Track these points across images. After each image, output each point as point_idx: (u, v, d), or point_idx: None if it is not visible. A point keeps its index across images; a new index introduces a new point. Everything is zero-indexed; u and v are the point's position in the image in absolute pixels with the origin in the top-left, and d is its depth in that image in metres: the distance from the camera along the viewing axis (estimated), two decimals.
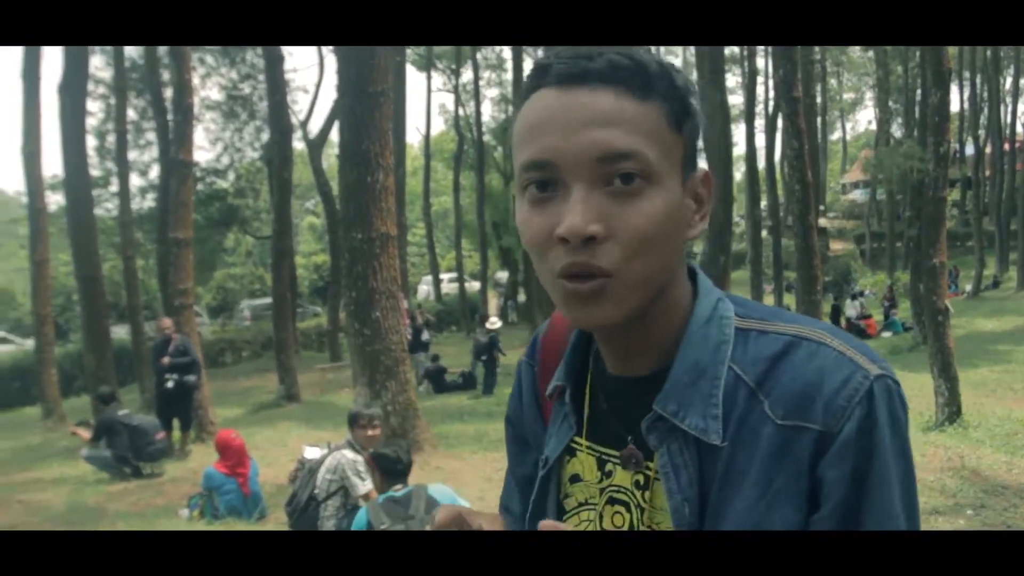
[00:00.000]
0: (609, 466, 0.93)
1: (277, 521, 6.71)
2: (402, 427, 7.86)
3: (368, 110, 7.77)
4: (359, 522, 3.90)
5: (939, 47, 10.16)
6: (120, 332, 20.54)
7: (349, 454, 4.95)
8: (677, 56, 47.73)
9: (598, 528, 0.93)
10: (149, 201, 26.21)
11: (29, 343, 25.69)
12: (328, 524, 4.90)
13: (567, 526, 0.86)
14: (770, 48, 31.92)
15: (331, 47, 24.15)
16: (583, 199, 0.78)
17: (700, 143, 0.88)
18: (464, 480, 7.51)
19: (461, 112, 32.67)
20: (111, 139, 23.40)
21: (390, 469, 4.20)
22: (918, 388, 10.02)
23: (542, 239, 0.81)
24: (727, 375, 0.84)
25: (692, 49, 33.26)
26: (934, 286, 10.24)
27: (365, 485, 4.88)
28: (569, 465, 0.98)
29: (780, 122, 31.08)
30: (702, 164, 0.89)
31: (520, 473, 1.08)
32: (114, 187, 23.46)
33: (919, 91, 36.52)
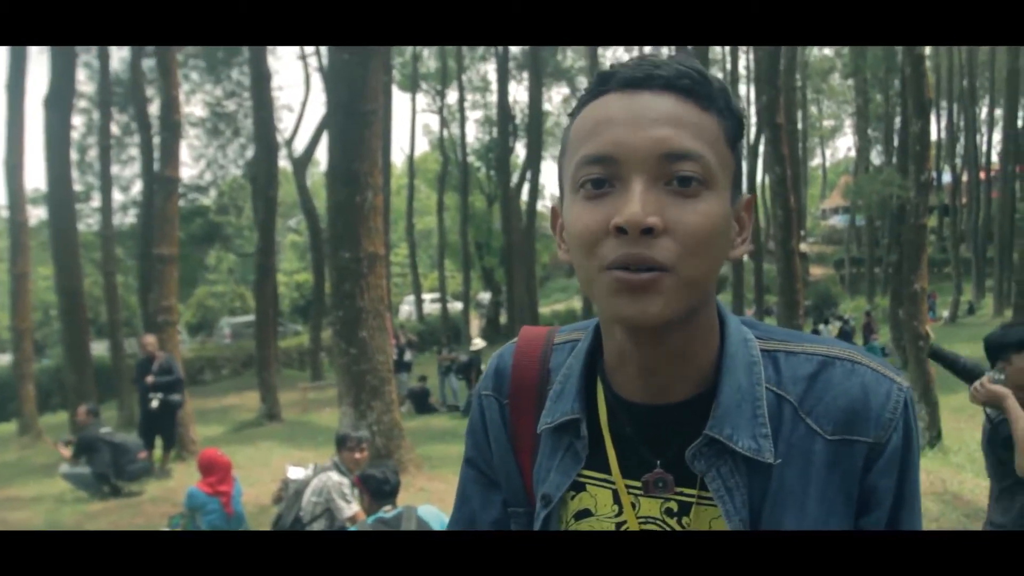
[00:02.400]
0: (630, 498, 0.91)
1: None
2: (387, 447, 7.82)
3: (358, 129, 7.79)
4: None
5: (920, 78, 10.34)
6: (99, 348, 20.32)
7: (335, 476, 4.92)
8: None
9: None
10: (130, 217, 26.09)
11: (5, 358, 25.37)
12: None
13: None
14: (752, 74, 32.31)
15: (318, 67, 24.19)
16: (644, 192, 0.78)
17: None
18: (449, 502, 7.38)
19: (446, 133, 32.78)
20: (92, 153, 23.28)
21: (378, 490, 4.19)
22: None
23: (594, 232, 0.80)
24: (767, 395, 0.87)
25: None
26: (915, 311, 10.37)
27: (351, 508, 4.84)
28: (574, 501, 0.94)
29: (762, 148, 31.41)
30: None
31: (488, 518, 1.02)
32: (95, 202, 23.33)
33: (898, 119, 37.23)
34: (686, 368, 0.88)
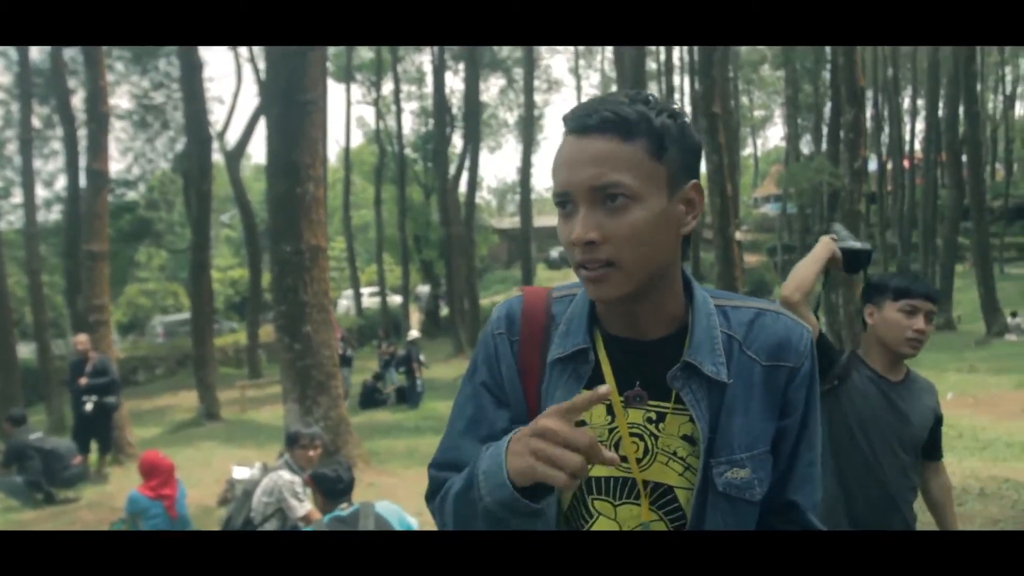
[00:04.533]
0: (620, 409, 1.22)
1: None
2: (334, 443, 7.66)
3: (298, 119, 7.60)
4: None
5: (852, 66, 10.60)
6: (26, 351, 19.56)
7: (286, 475, 4.78)
8: (596, 71, 48.44)
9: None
10: (55, 213, 25.15)
11: None
12: None
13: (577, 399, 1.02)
14: (687, 65, 32.70)
15: (250, 57, 23.65)
16: (584, 215, 1.12)
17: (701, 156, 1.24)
18: (399, 496, 7.35)
19: (381, 125, 32.40)
20: (12, 148, 22.36)
21: (331, 490, 4.07)
22: None
23: (568, 242, 1.15)
24: (721, 337, 1.22)
25: (612, 64, 33.91)
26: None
27: (304, 507, 4.71)
28: None
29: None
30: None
31: (498, 428, 1.27)
32: (17, 198, 22.41)
33: (827, 109, 38.12)
34: (658, 315, 1.22)
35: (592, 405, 1.03)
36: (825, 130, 38.50)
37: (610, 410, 1.23)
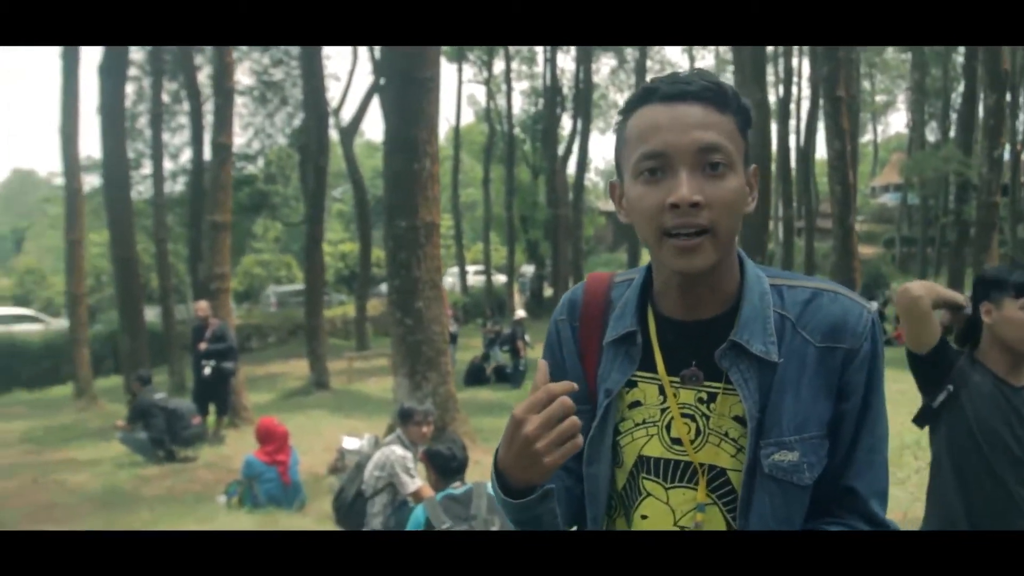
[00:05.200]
0: (671, 390, 1.23)
1: (317, 512, 6.61)
2: (442, 420, 7.71)
3: (416, 96, 7.63)
4: (416, 521, 3.76)
5: (996, 48, 9.90)
6: (150, 315, 20.59)
7: (399, 450, 4.82)
8: (709, 52, 47.30)
9: (665, 437, 1.23)
10: (180, 185, 26.25)
11: (58, 323, 25.85)
12: (375, 521, 4.77)
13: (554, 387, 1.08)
14: (806, 46, 31.46)
15: None
16: (688, 178, 1.11)
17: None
18: None
19: (492, 105, 32.46)
20: (142, 122, 23.41)
21: (445, 467, 4.07)
22: None
23: (655, 208, 1.13)
24: (774, 316, 1.20)
25: (728, 47, 32.97)
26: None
27: (414, 483, 4.75)
28: (628, 395, 1.27)
29: (817, 122, 30.63)
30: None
31: None
32: (146, 170, 23.48)
33: (955, 95, 35.99)
34: (714, 294, 1.22)
35: (554, 398, 1.06)
36: (953, 117, 36.56)
37: (663, 390, 1.24)
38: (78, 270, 14.87)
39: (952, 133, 34.75)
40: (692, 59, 44.30)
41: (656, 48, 37.12)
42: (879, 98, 55.99)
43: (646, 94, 1.17)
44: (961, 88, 35.32)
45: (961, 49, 34.57)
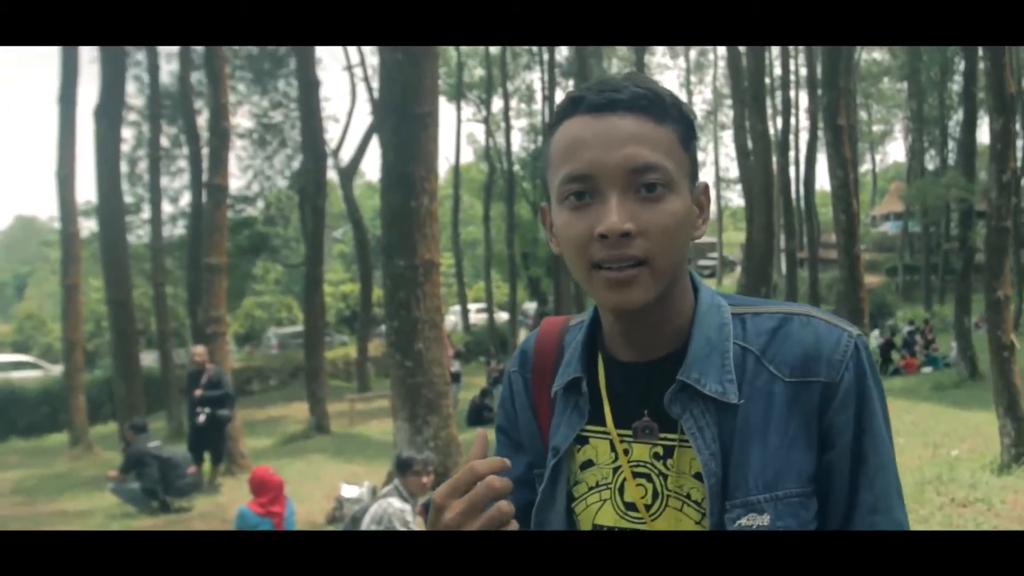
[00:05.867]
0: (624, 445, 1.05)
1: None
2: (443, 465, 7.43)
3: (413, 132, 7.46)
4: None
5: (1000, 71, 9.74)
6: (148, 359, 20.36)
7: (396, 503, 4.55)
8: (707, 87, 47.59)
9: (619, 503, 1.05)
10: (179, 228, 26.18)
11: (58, 369, 25.63)
12: None
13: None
14: (803, 79, 31.55)
15: (364, 76, 24.10)
16: (619, 203, 0.95)
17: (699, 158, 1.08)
18: None
19: (491, 143, 32.53)
20: (142, 166, 23.42)
21: None
22: (973, 427, 9.50)
23: (583, 238, 0.97)
24: (734, 350, 1.02)
25: (724, 77, 33.09)
26: (998, 320, 9.71)
27: None
28: (579, 453, 1.10)
29: (817, 153, 30.59)
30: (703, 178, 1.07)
31: (514, 474, 1.12)
32: (145, 214, 23.42)
33: (951, 122, 36.10)
34: (663, 330, 1.04)
35: (479, 478, 0.89)
36: (951, 144, 36.66)
37: (613, 445, 1.07)
38: (75, 315, 14.67)
39: (951, 160, 34.84)
40: (690, 93, 44.63)
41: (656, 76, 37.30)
42: (876, 128, 56.33)
43: (571, 104, 1.00)
44: (958, 116, 35.64)
45: (958, 76, 34.84)
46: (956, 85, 35.49)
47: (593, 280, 0.98)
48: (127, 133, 23.44)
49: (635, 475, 1.04)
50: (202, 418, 9.53)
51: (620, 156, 0.95)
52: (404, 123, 7.51)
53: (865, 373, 0.99)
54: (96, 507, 9.22)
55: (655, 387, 1.03)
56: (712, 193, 1.09)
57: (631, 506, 1.04)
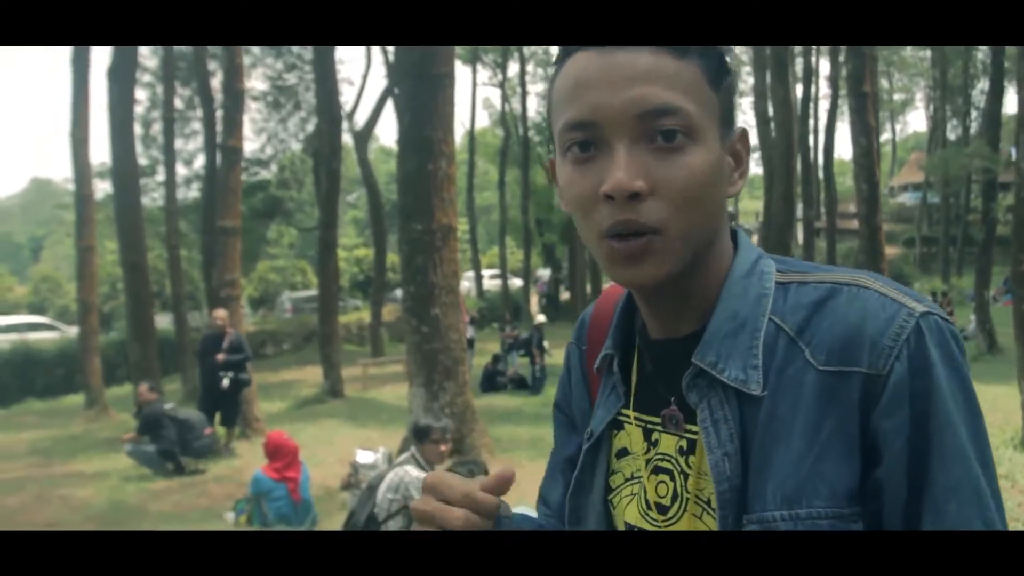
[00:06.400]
0: (655, 435, 0.92)
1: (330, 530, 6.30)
2: (459, 431, 7.38)
3: (431, 93, 7.31)
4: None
5: None
6: (163, 322, 20.40)
7: (413, 471, 4.47)
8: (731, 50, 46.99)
9: (643, 500, 0.92)
10: (194, 191, 26.15)
11: (74, 330, 25.78)
12: None
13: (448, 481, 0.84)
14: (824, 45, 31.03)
15: None
16: (627, 156, 0.79)
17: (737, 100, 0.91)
18: (525, 490, 7.03)
19: (507, 107, 32.24)
20: (156, 128, 23.33)
21: None
22: (991, 401, 9.35)
23: (586, 198, 0.82)
24: (767, 327, 0.84)
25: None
26: None
27: None
28: (616, 439, 0.98)
29: (839, 120, 30.17)
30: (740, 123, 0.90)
31: (564, 455, 1.07)
32: (160, 176, 23.38)
33: (975, 92, 35.50)
34: (691, 303, 0.88)
35: (484, 500, 0.82)
36: (974, 114, 36.08)
37: (648, 433, 0.93)
38: (90, 277, 14.66)
39: (973, 130, 34.32)
40: None
41: None
42: (897, 97, 55.51)
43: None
44: (982, 85, 35.06)
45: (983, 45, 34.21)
46: (981, 53, 34.99)
47: (603, 251, 0.83)
48: (141, 95, 23.36)
49: (658, 470, 0.91)
50: (226, 382, 9.48)
51: (628, 97, 0.79)
52: (421, 85, 7.36)
53: (931, 364, 0.75)
54: (111, 468, 9.24)
55: (681, 370, 0.88)
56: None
57: (658, 506, 0.90)
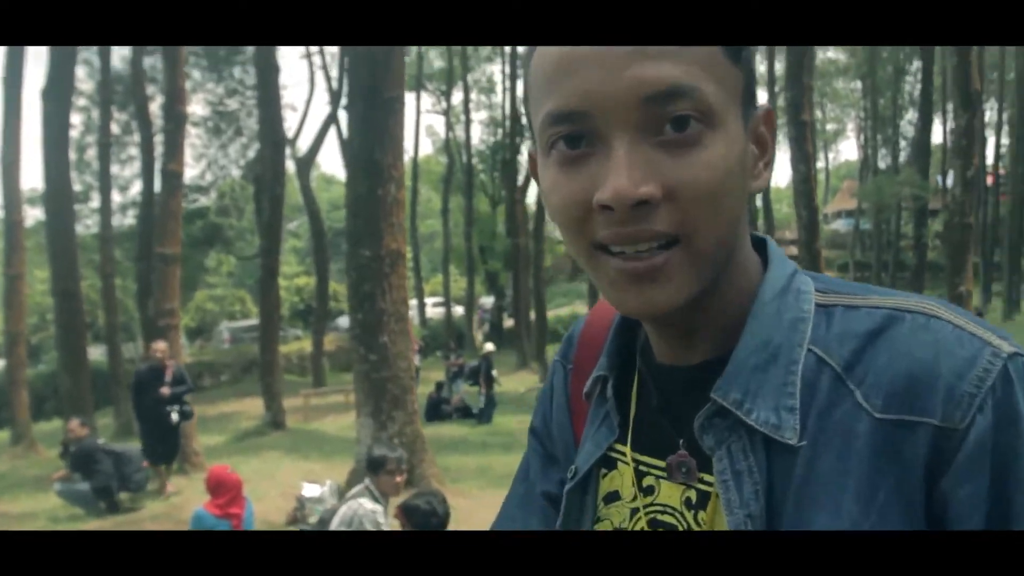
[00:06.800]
0: (649, 480, 0.76)
1: None
2: (409, 461, 7.19)
3: (382, 117, 7.20)
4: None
5: (966, 68, 9.82)
6: (96, 353, 19.72)
7: (368, 504, 4.30)
8: None
9: None
10: (129, 218, 25.49)
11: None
12: None
13: None
14: (763, 78, 31.88)
15: (322, 65, 23.70)
16: (629, 154, 0.63)
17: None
18: (475, 522, 6.90)
19: (451, 135, 32.30)
20: (91, 153, 22.73)
21: (424, 524, 3.59)
22: None
23: (577, 206, 0.66)
24: (806, 359, 0.67)
25: None
26: None
27: None
28: (606, 480, 0.82)
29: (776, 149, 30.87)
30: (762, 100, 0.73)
31: (542, 490, 0.90)
32: (94, 203, 22.74)
33: (903, 121, 36.93)
34: (711, 326, 0.73)
35: None
36: (903, 143, 37.51)
37: (639, 476, 0.78)
38: (17, 306, 14.08)
39: (901, 159, 35.68)
40: None
41: None
42: (830, 126, 57.32)
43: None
44: (910, 115, 36.49)
45: (909, 77, 35.63)
46: (908, 85, 36.47)
47: (599, 268, 0.68)
48: (76, 119, 22.77)
49: (656, 523, 0.75)
50: (175, 416, 9.06)
51: (630, 78, 0.63)
52: (372, 108, 7.26)
53: (1020, 417, 0.60)
54: (39, 509, 8.78)
55: (694, 405, 0.72)
56: None
57: None
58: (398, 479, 4.31)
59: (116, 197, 24.12)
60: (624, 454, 0.79)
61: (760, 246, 0.78)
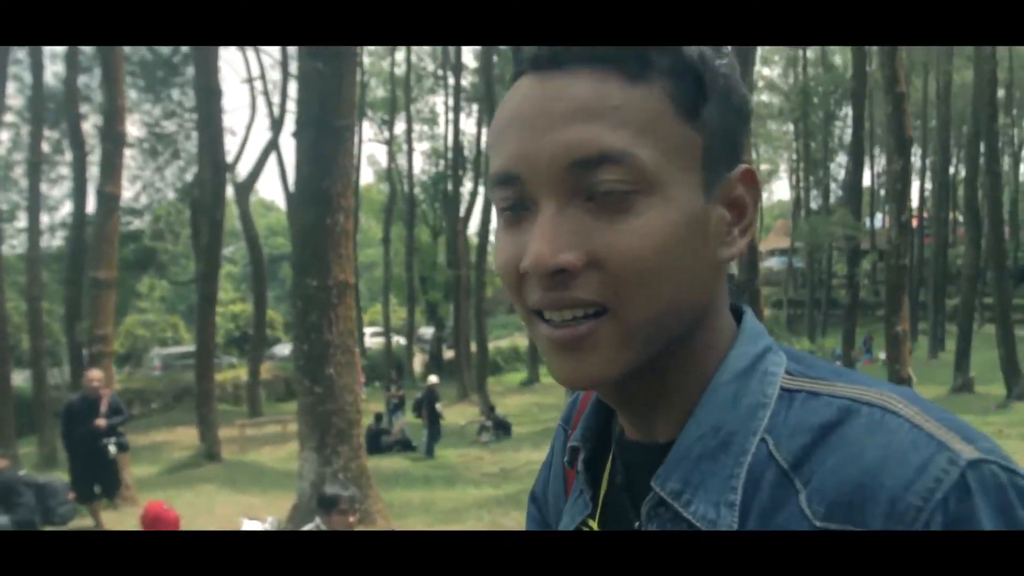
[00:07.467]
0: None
1: None
2: None
3: (331, 145, 7.10)
4: None
5: (900, 115, 10.16)
6: (20, 379, 18.92)
7: None
8: None
9: None
10: (57, 239, 24.69)
11: None
12: None
13: None
14: None
15: (264, 90, 23.42)
16: (554, 218, 0.61)
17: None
18: None
19: (393, 165, 32.20)
20: (18, 171, 22.00)
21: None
22: None
23: (512, 273, 0.64)
24: (758, 448, 0.62)
25: None
26: (897, 354, 10.07)
27: None
28: None
29: None
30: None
31: None
32: (20, 222, 21.97)
33: (834, 164, 38.30)
34: (672, 402, 0.67)
35: None
36: (833, 185, 38.81)
37: None
38: None
39: (832, 200, 36.88)
40: None
41: None
42: (763, 167, 58.97)
43: (517, 57, 0.67)
44: (839, 158, 37.84)
45: (838, 121, 36.97)
46: (838, 129, 37.87)
47: (536, 333, 0.66)
48: (3, 136, 22.02)
49: None
50: (113, 449, 8.56)
51: (556, 143, 0.60)
52: (322, 135, 7.15)
53: (975, 522, 0.54)
54: None
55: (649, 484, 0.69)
56: None
57: None
58: (351, 519, 4.18)
59: (44, 218, 23.36)
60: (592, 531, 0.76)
61: (738, 316, 0.72)
